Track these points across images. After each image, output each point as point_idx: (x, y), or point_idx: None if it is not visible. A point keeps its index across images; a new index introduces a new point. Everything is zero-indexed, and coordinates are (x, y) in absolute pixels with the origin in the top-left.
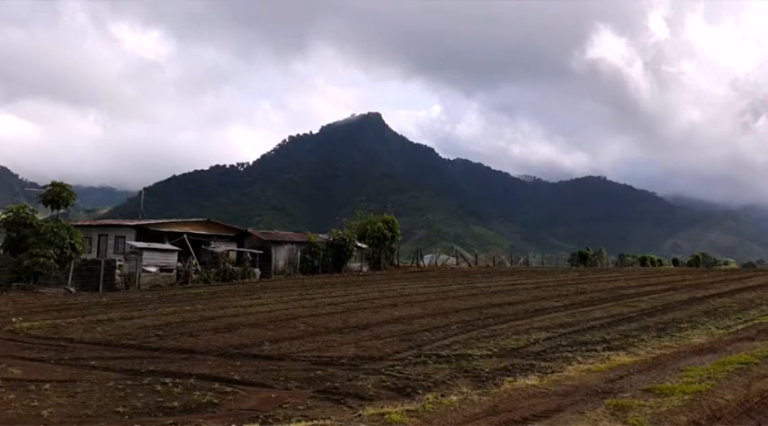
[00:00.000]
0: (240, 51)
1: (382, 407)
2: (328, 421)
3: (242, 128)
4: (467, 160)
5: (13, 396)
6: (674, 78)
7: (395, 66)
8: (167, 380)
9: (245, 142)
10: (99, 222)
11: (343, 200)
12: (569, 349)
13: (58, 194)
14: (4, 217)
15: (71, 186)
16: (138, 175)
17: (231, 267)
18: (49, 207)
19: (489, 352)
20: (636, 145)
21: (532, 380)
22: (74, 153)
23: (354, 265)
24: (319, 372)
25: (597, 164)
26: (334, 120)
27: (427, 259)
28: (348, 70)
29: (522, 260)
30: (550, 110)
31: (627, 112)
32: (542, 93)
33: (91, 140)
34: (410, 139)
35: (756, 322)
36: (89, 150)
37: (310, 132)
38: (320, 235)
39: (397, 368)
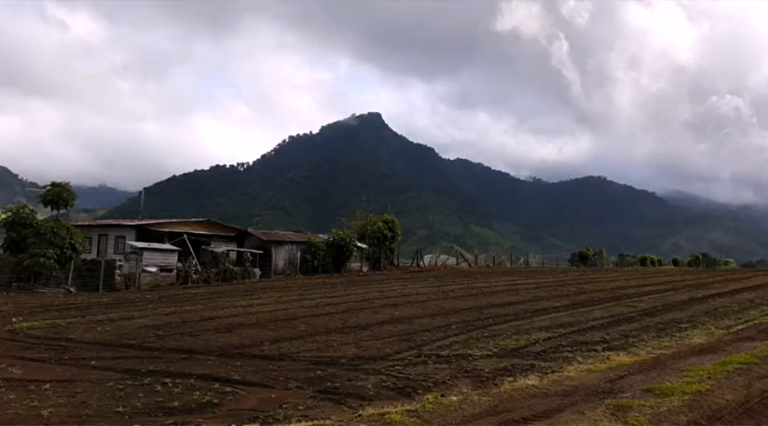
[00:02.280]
0: (177, 35)
1: (382, 407)
2: (328, 421)
3: (207, 118)
4: (467, 160)
5: (13, 396)
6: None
7: (343, 50)
8: (167, 380)
9: (215, 133)
10: (99, 222)
11: (343, 200)
12: (569, 349)
13: (57, 194)
14: (4, 217)
15: (70, 185)
16: (111, 170)
17: (231, 267)
18: (49, 207)
19: (489, 352)
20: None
21: (532, 380)
22: (38, 146)
23: (354, 265)
24: (319, 372)
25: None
26: (335, 120)
27: (427, 259)
28: (288, 49)
29: (522, 260)
30: (505, 97)
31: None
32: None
33: (56, 133)
34: (410, 139)
35: (756, 322)
36: (54, 143)
37: (310, 132)
38: (320, 235)
39: (397, 368)
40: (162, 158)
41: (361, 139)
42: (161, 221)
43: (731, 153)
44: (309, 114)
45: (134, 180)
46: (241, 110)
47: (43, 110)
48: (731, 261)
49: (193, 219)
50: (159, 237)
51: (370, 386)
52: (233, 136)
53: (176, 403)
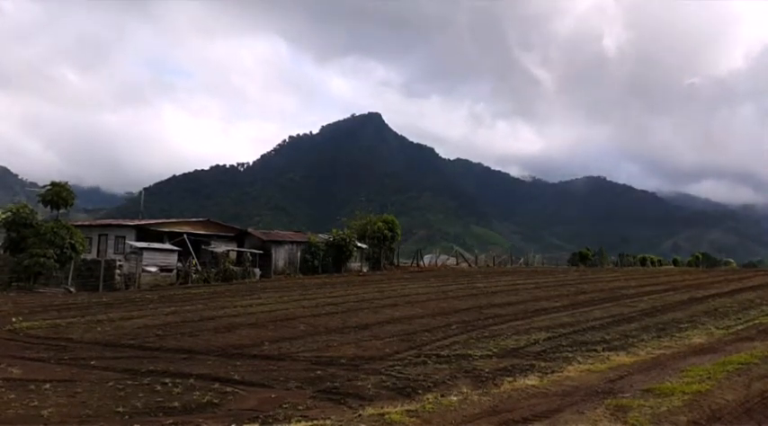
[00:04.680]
0: (106, 16)
1: (382, 407)
2: (328, 421)
3: (173, 110)
4: (467, 160)
5: (13, 396)
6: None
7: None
8: (167, 380)
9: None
10: (99, 222)
11: (343, 200)
12: (569, 349)
13: (57, 194)
14: (4, 217)
15: (70, 185)
16: (79, 168)
17: (231, 267)
18: (49, 207)
19: (489, 352)
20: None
21: (532, 380)
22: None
23: (354, 265)
24: (319, 372)
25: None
26: (335, 120)
27: (427, 259)
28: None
29: (522, 260)
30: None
31: None
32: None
33: (18, 127)
34: (410, 139)
35: (756, 322)
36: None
37: (310, 132)
38: (320, 235)
39: (397, 368)
40: (138, 157)
41: (361, 139)
42: (161, 221)
43: (720, 142)
44: (266, 97)
45: (110, 180)
46: (200, 99)
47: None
48: (732, 261)
49: (193, 219)
50: (159, 237)
51: (370, 386)
52: (204, 129)
53: (176, 403)
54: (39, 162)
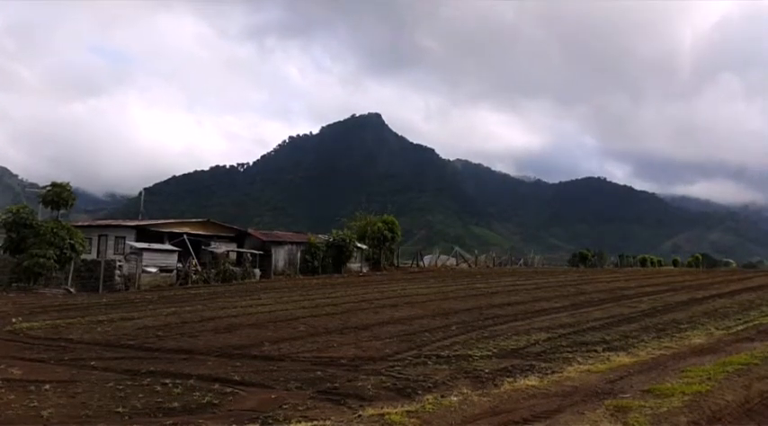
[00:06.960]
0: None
1: (382, 408)
2: (328, 422)
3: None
4: (467, 160)
5: (13, 396)
6: None
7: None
8: (167, 381)
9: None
10: (99, 222)
11: (343, 200)
12: (569, 349)
13: (58, 195)
14: (4, 217)
15: (71, 186)
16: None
17: (231, 267)
18: (49, 207)
19: (489, 353)
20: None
21: (532, 381)
22: None
23: (354, 266)
24: (319, 373)
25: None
26: (335, 120)
27: (427, 259)
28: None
29: (522, 260)
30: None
31: None
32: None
33: None
34: (410, 140)
35: (756, 322)
36: None
37: (310, 132)
38: (320, 236)
39: (397, 368)
40: (109, 157)
41: (361, 139)
42: (161, 221)
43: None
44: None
45: (84, 181)
46: (153, 90)
47: None
48: (732, 261)
49: (193, 220)
50: (159, 238)
51: (369, 387)
52: (164, 122)
53: (176, 404)
54: (7, 160)
